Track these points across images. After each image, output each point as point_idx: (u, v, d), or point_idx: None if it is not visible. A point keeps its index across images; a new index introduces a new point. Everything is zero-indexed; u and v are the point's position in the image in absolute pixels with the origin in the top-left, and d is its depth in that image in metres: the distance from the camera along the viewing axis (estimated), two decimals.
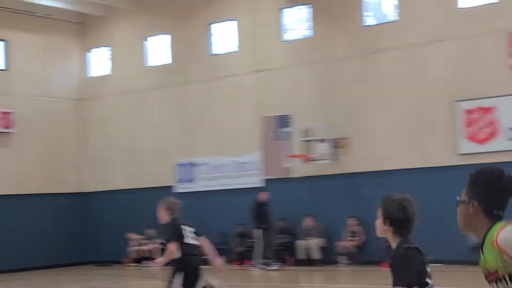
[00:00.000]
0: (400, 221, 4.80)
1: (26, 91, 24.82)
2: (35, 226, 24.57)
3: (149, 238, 24.02)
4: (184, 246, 9.76)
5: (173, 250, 9.68)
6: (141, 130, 25.00)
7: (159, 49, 25.09)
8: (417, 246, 4.71)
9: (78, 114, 26.25)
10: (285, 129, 21.60)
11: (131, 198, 24.86)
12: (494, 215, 3.83)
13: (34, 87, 25.04)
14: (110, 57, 26.10)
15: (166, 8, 24.58)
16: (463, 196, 3.91)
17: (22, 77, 24.80)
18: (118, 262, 24.43)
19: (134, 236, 24.26)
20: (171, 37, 24.63)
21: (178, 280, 9.73)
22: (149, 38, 25.15)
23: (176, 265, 9.81)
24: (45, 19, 25.28)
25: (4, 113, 23.86)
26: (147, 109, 24.94)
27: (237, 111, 23.10)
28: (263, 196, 20.99)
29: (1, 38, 24.52)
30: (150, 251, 23.91)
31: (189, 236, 9.86)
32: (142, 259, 23.95)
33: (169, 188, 24.03)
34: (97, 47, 26.42)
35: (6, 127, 23.92)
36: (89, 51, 26.58)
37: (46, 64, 25.49)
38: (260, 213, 20.86)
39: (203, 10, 23.89)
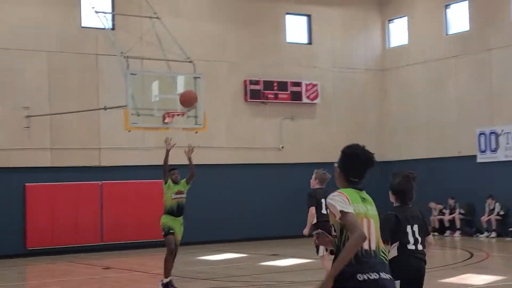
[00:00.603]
0: None
1: (329, 63, 25.81)
2: None
3: (450, 208, 23.86)
4: (319, 215, 11.40)
5: (312, 214, 11.43)
6: (441, 99, 24.78)
7: (457, 17, 24.61)
8: None
9: (379, 84, 26.71)
10: None
11: (431, 167, 24.80)
12: (351, 181, 5.20)
13: (336, 60, 25.95)
14: (408, 26, 26.12)
15: None
16: (337, 163, 5.22)
17: (325, 50, 25.81)
18: None
19: (435, 205, 24.24)
20: (470, 3, 23.99)
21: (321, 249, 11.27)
22: (448, 6, 24.76)
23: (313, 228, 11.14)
24: None
25: (310, 85, 25.06)
26: (447, 77, 24.63)
27: None
28: None
29: (305, 13, 25.71)
30: (451, 220, 23.76)
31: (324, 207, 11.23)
32: (445, 229, 23.88)
33: (470, 158, 23.61)
34: (397, 18, 26.59)
35: (312, 99, 25.13)
36: (389, 22, 26.85)
37: (347, 36, 26.25)
38: None
39: None
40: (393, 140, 26.40)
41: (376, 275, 4.91)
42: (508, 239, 21.76)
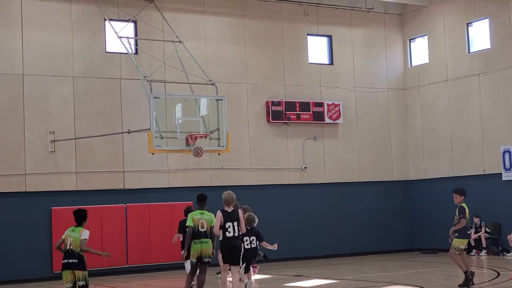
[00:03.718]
0: None
1: (351, 83, 25.81)
2: (361, 212, 25.48)
3: (476, 226, 23.63)
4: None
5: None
6: (464, 117, 24.65)
7: (478, 35, 24.53)
8: None
9: (401, 103, 26.65)
10: None
11: (456, 185, 24.55)
12: None
13: (358, 79, 25.94)
14: (429, 45, 26.05)
15: None
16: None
17: (347, 70, 25.82)
18: (443, 250, 24.39)
19: None
20: (491, 21, 23.91)
21: None
22: (470, 24, 24.69)
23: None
24: (366, 13, 26.05)
25: (332, 105, 25.06)
26: (470, 95, 24.51)
27: None
28: None
29: (326, 34, 25.75)
30: (476, 239, 23.52)
31: None
32: (471, 248, 23.62)
33: (495, 175, 23.43)
34: (418, 37, 26.55)
35: (334, 119, 25.10)
36: (410, 41, 26.81)
37: (368, 56, 26.25)
38: None
39: None
40: (416, 159, 26.28)
41: None
42: None
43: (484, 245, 23.26)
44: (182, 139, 17.82)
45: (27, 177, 20.67)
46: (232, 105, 22.38)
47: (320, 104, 24.84)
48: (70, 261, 11.76)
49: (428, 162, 25.87)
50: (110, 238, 21.21)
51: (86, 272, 11.83)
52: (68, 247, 11.87)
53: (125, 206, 21.64)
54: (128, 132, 19.76)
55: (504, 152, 23.23)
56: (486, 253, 23.16)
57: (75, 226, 12.20)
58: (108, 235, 21.24)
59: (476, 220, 23.59)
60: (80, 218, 12.33)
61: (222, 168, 23.25)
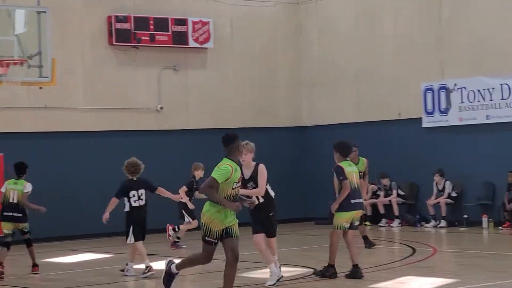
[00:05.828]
0: None
1: None
2: None
3: (386, 188, 24.17)
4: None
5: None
6: (375, 43, 25.07)
7: None
8: None
9: (292, 23, 26.87)
10: None
11: (362, 133, 25.10)
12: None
13: None
14: None
15: None
16: None
17: None
18: None
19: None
20: None
21: None
22: None
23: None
24: None
25: (199, 23, 24.88)
26: (383, 14, 24.91)
27: (504, 17, 22.42)
28: None
29: None
30: (387, 205, 24.04)
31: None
32: (379, 216, 24.16)
33: (413, 121, 24.00)
34: None
35: (202, 42, 24.99)
36: None
37: None
38: None
39: None
40: (311, 98, 26.59)
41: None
42: (462, 229, 22.24)
43: (396, 213, 23.84)
44: None
45: None
46: (59, 21, 21.88)
47: (183, 22, 24.77)
48: (15, 214, 15.29)
49: (327, 102, 26.20)
50: None
51: (28, 223, 15.57)
52: (12, 200, 15.26)
53: None
54: None
55: (426, 90, 23.78)
56: (399, 223, 23.76)
57: (16, 179, 15.48)
58: None
59: (385, 181, 24.12)
60: (21, 170, 15.51)
61: (45, 108, 22.84)
